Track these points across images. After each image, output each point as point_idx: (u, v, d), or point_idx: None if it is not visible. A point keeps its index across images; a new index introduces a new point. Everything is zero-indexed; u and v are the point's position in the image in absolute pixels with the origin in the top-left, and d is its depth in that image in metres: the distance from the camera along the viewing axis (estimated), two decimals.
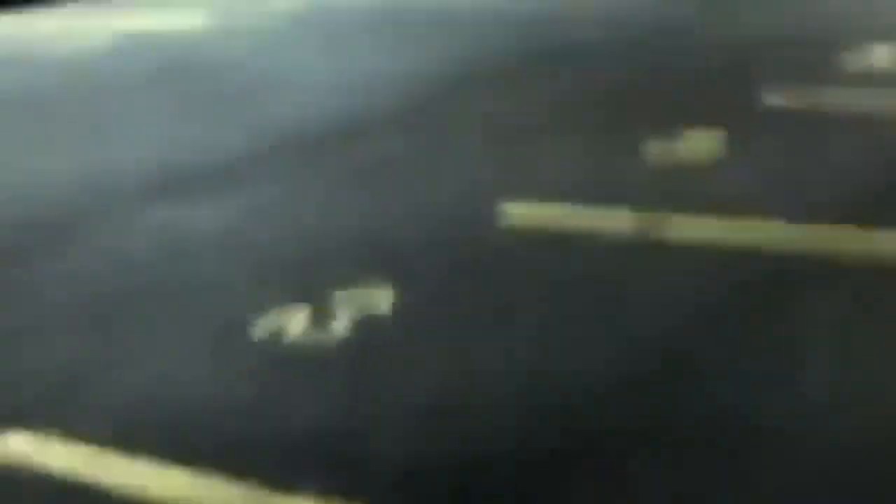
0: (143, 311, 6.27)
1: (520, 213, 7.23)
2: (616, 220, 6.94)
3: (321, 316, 5.96)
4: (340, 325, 5.84)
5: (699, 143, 8.37)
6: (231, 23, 16.50)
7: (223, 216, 7.83)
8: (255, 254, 7.03)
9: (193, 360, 5.59)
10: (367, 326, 5.80)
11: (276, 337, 5.76)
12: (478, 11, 15.46)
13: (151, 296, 6.49)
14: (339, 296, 6.19)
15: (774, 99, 9.48)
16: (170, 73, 13.30)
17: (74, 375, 5.54)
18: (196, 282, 6.65)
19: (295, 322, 5.91)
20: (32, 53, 15.25)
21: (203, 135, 10.15)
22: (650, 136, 8.62)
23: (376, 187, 8.15)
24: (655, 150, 8.31)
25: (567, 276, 6.22)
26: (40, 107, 12.26)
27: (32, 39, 16.48)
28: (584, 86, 10.69)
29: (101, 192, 8.72)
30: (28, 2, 19.16)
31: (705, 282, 5.95)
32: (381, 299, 6.12)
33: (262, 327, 5.89)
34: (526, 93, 10.52)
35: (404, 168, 8.60)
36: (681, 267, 6.16)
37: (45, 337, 6.06)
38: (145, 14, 17.59)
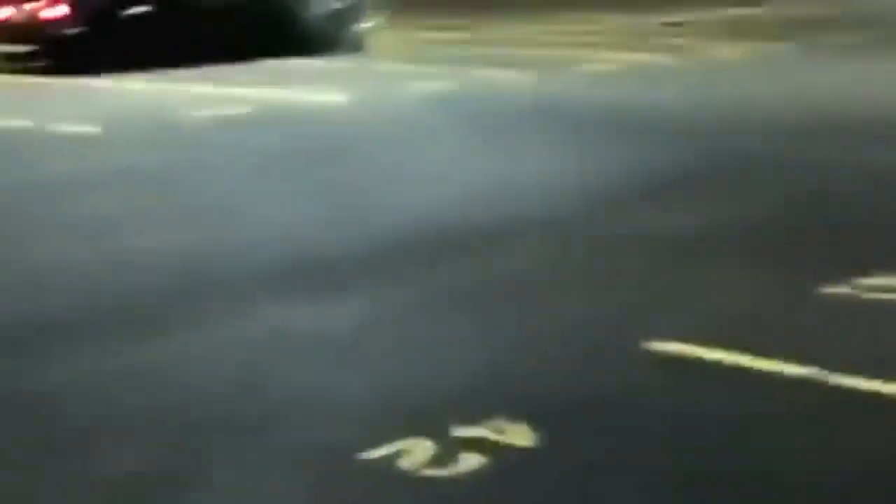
0: (240, 425, 5.39)
1: (667, 348, 6.23)
2: (778, 367, 5.95)
3: (445, 450, 5.06)
4: (467, 461, 4.97)
5: (881, 289, 7.27)
6: (372, 102, 15.78)
7: (337, 321, 6.96)
8: (369, 371, 6.11)
9: (294, 490, 4.80)
10: (497, 465, 4.94)
11: (393, 469, 4.90)
12: (643, 110, 14.59)
13: (250, 409, 5.60)
14: (465, 429, 5.24)
15: None
16: (302, 152, 12.59)
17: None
18: (304, 396, 5.74)
19: (415, 454, 4.97)
20: (168, 119, 14.61)
21: (325, 223, 9.38)
22: (824, 274, 7.51)
23: (508, 308, 7.20)
24: (830, 291, 7.23)
25: (717, 421, 5.39)
26: (166, 175, 11.58)
27: (172, 103, 15.87)
28: (752, 205, 9.69)
29: (206, 278, 7.89)
30: (174, 65, 18.55)
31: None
32: (514, 435, 5.20)
33: (376, 457, 5.02)
34: (686, 210, 9.52)
35: (544, 287, 7.66)
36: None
37: (131, 443, 5.26)
38: (287, 86, 16.88)
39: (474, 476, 4.86)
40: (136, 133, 13.83)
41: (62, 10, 18.79)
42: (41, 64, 19.18)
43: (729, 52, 20.04)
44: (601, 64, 18.71)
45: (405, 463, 4.97)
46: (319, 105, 15.53)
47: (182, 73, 18.53)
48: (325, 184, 10.96)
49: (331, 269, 8.03)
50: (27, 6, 19.04)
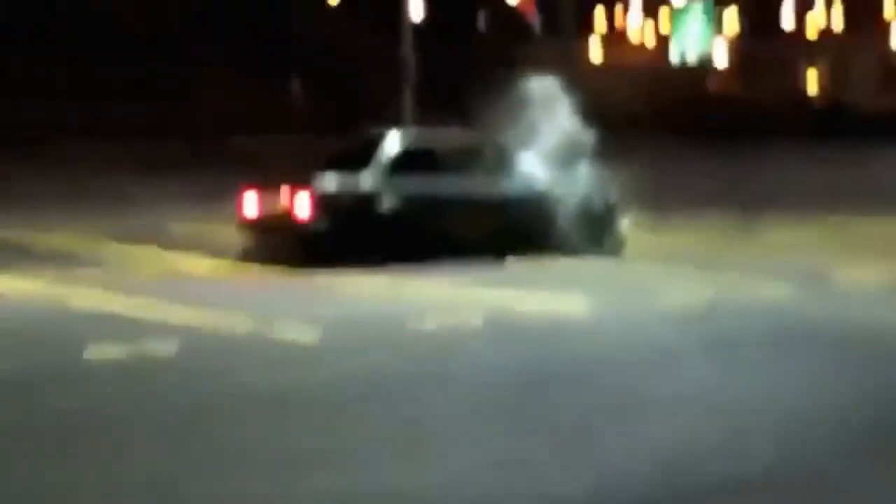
0: None
1: None
2: None
3: None
4: None
5: None
6: (616, 316, 14.09)
7: None
8: None
9: None
10: None
11: None
12: None
13: None
14: None
15: None
16: (535, 373, 11.02)
17: None
18: None
19: None
20: (392, 329, 13.17)
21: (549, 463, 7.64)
22: None
23: None
24: None
25: None
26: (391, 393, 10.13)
27: (400, 309, 14.42)
28: None
29: None
30: (417, 259, 17.24)
31: None
32: None
33: None
34: None
35: None
36: None
37: None
38: (521, 290, 15.33)
39: None
40: (354, 344, 12.44)
41: (305, 206, 17.69)
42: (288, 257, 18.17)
43: None
44: (866, 274, 16.71)
45: None
46: (558, 317, 13.98)
47: (419, 268, 17.19)
48: (554, 410, 9.37)
49: None
50: (280, 199, 18.02)
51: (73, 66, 61.93)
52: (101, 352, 11.62)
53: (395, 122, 18.80)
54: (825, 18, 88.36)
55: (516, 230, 18.43)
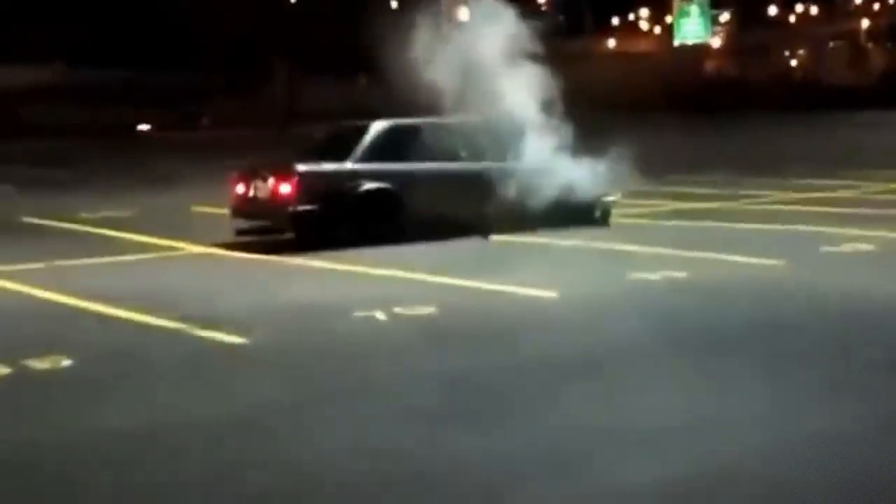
0: None
1: None
2: None
3: None
4: None
5: None
6: (585, 299, 10.56)
7: None
8: None
9: None
10: None
11: None
12: None
13: None
14: None
15: None
16: (482, 379, 7.54)
17: None
18: None
19: None
20: (333, 320, 9.74)
21: None
22: None
23: None
24: None
25: None
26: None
27: (356, 298, 10.97)
28: None
29: None
30: (401, 240, 13.83)
31: None
32: None
33: None
34: None
35: None
36: None
37: None
38: (499, 274, 11.75)
39: None
40: (287, 344, 9.00)
41: (287, 187, 14.28)
42: (279, 239, 14.85)
43: None
44: (859, 242, 13.11)
45: None
46: (525, 302, 10.45)
47: (402, 251, 13.74)
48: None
49: None
50: (267, 182, 14.61)
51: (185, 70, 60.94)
52: None
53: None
54: (804, 7, 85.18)
55: (500, 208, 14.94)
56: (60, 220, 18.08)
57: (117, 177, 28.02)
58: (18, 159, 35.24)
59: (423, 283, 11.59)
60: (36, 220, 18.26)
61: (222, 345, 8.93)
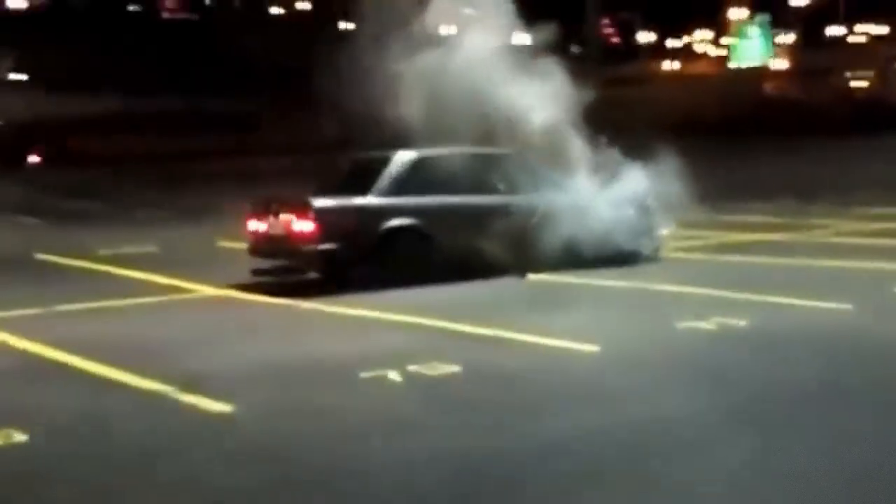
0: None
1: None
2: None
3: None
4: None
5: None
6: (631, 354, 9.30)
7: None
8: None
9: None
10: None
11: None
12: None
13: None
14: None
15: None
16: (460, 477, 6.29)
17: None
18: None
19: None
20: (337, 380, 8.53)
21: None
22: None
23: None
24: None
25: None
26: None
27: (359, 351, 9.78)
28: None
29: None
30: (430, 281, 12.67)
31: None
32: None
33: None
34: None
35: None
36: None
37: None
38: (530, 322, 10.46)
39: None
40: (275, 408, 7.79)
41: (303, 224, 13.11)
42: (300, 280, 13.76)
43: None
44: None
45: None
46: (562, 357, 9.18)
47: (429, 294, 12.53)
48: None
49: None
50: (281, 218, 13.45)
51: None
52: None
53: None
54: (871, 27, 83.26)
55: (538, 245, 13.67)
56: (77, 257, 17.04)
57: (152, 208, 27.05)
58: (58, 190, 34.52)
59: (448, 333, 10.34)
60: (51, 258, 17.25)
61: (202, 415, 7.72)
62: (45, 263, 16.84)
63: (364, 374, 8.59)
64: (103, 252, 17.66)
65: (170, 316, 12.02)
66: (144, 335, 10.83)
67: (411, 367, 8.74)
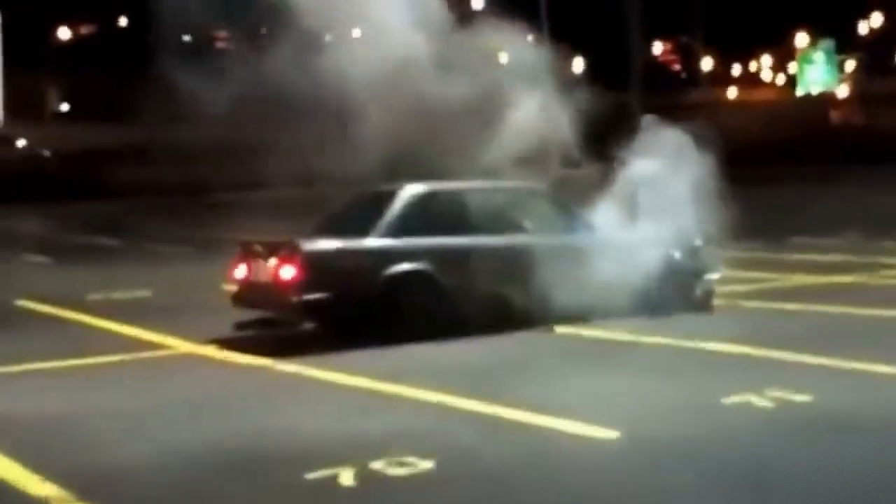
0: None
1: None
2: None
3: None
4: None
5: None
6: (657, 444, 7.29)
7: None
8: None
9: None
10: None
11: None
12: None
13: None
14: None
15: None
16: None
17: None
18: None
19: None
20: (282, 480, 6.64)
21: None
22: None
23: None
24: None
25: None
26: None
27: (319, 442, 7.90)
28: None
29: None
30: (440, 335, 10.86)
31: None
32: None
33: None
34: None
35: None
36: None
37: None
38: (532, 393, 8.47)
39: None
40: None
41: (291, 270, 11.29)
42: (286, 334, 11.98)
43: None
44: None
45: None
46: (573, 448, 7.25)
47: (435, 352, 10.66)
48: None
49: None
50: (268, 263, 11.65)
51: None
52: None
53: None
54: None
55: (565, 292, 11.73)
56: (59, 304, 15.31)
57: (162, 244, 25.41)
58: (77, 224, 33.15)
59: (440, 409, 8.41)
60: (31, 305, 15.54)
61: None
62: (21, 311, 15.12)
63: (310, 476, 6.68)
64: (92, 297, 15.95)
65: (114, 383, 10.11)
66: (87, 404, 9.03)
67: (374, 465, 6.80)
